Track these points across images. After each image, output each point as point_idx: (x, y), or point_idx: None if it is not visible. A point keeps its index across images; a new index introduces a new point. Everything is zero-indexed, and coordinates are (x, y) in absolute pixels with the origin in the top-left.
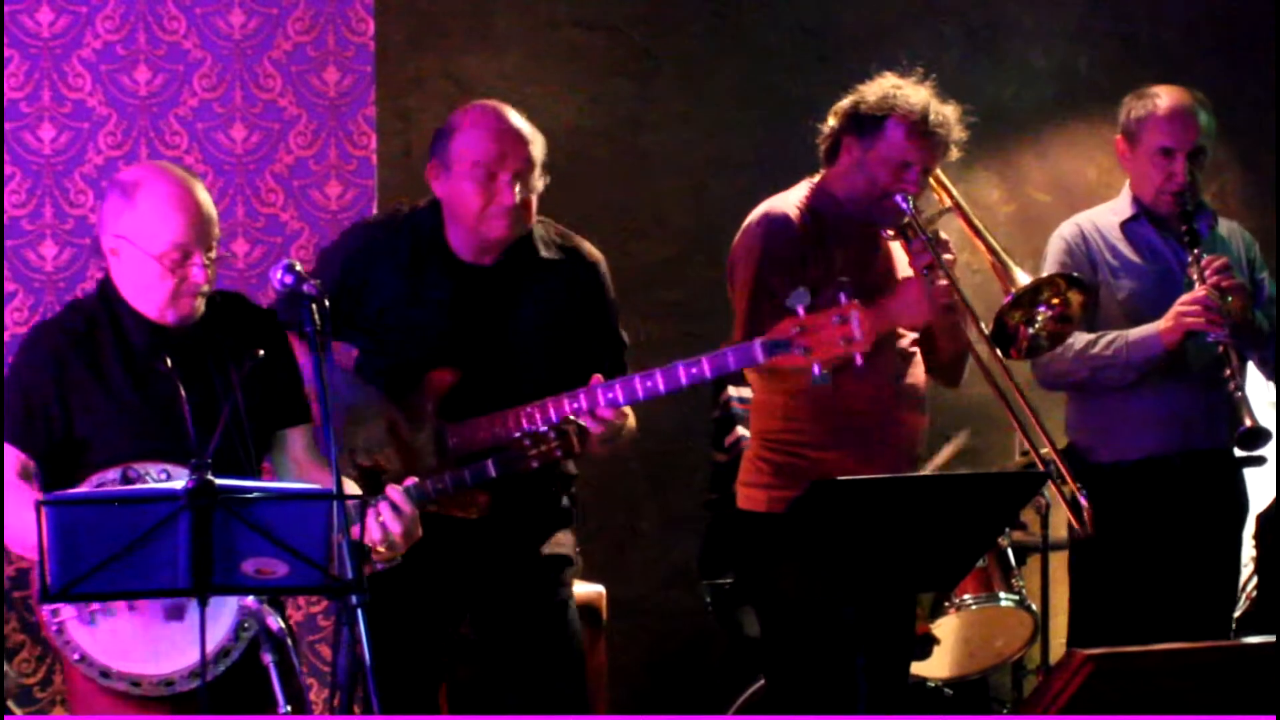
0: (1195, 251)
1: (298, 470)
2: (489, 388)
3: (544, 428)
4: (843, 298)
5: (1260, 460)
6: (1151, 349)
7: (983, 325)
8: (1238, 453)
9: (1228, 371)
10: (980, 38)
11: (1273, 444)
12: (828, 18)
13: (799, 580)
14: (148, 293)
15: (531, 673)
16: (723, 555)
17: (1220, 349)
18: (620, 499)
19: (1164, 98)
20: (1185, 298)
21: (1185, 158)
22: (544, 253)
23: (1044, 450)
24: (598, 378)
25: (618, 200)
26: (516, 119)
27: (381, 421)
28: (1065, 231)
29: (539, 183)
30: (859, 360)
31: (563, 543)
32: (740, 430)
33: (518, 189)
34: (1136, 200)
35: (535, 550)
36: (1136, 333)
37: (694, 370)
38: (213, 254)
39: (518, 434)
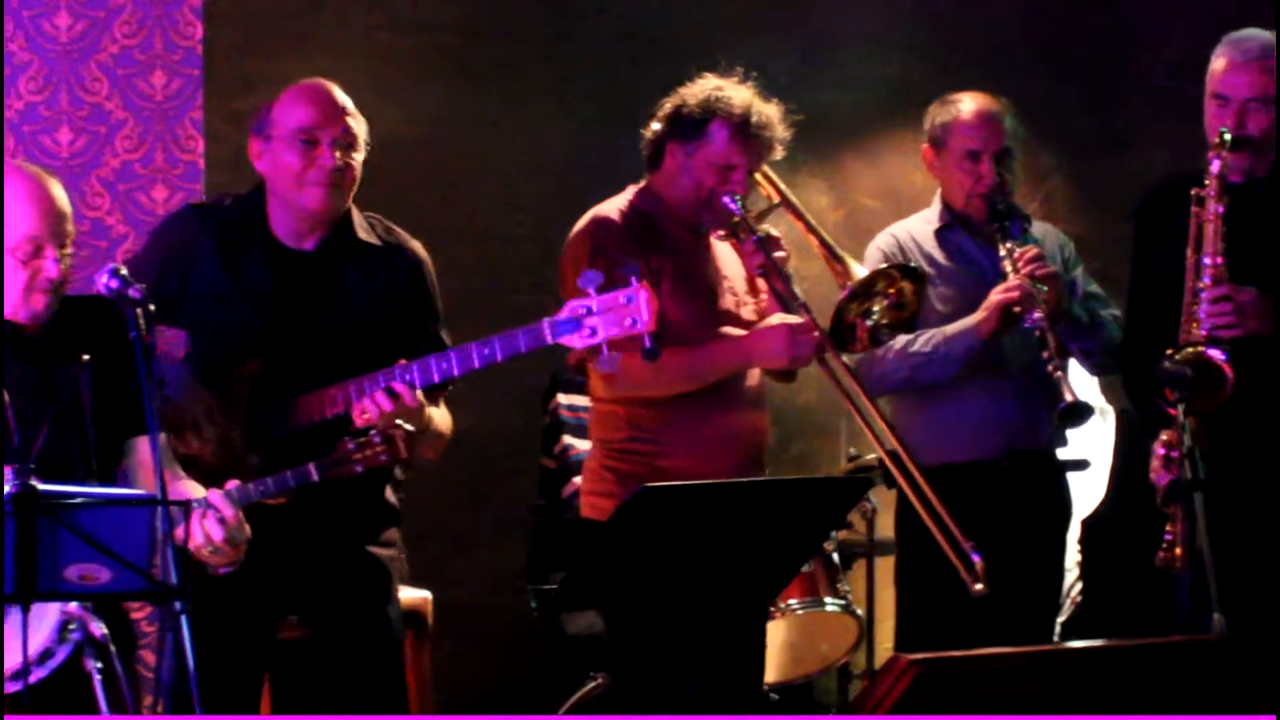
0: (1008, 245)
1: (145, 476)
2: (304, 376)
3: (342, 412)
4: (633, 280)
5: (1083, 464)
6: (970, 340)
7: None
8: (1060, 455)
9: (1046, 354)
10: (809, 44)
11: (1098, 449)
12: (653, 22)
13: (632, 586)
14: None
15: (352, 673)
16: (550, 560)
17: (1038, 333)
18: (448, 505)
19: (967, 102)
20: (999, 287)
21: (992, 159)
22: (364, 237)
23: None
24: (401, 361)
25: (433, 205)
26: (335, 90)
27: (200, 409)
28: (881, 242)
29: (358, 157)
30: (647, 342)
31: (391, 541)
32: (567, 439)
33: (338, 154)
34: (948, 208)
35: (362, 548)
36: (954, 326)
37: (486, 351)
38: (67, 250)
39: (320, 419)
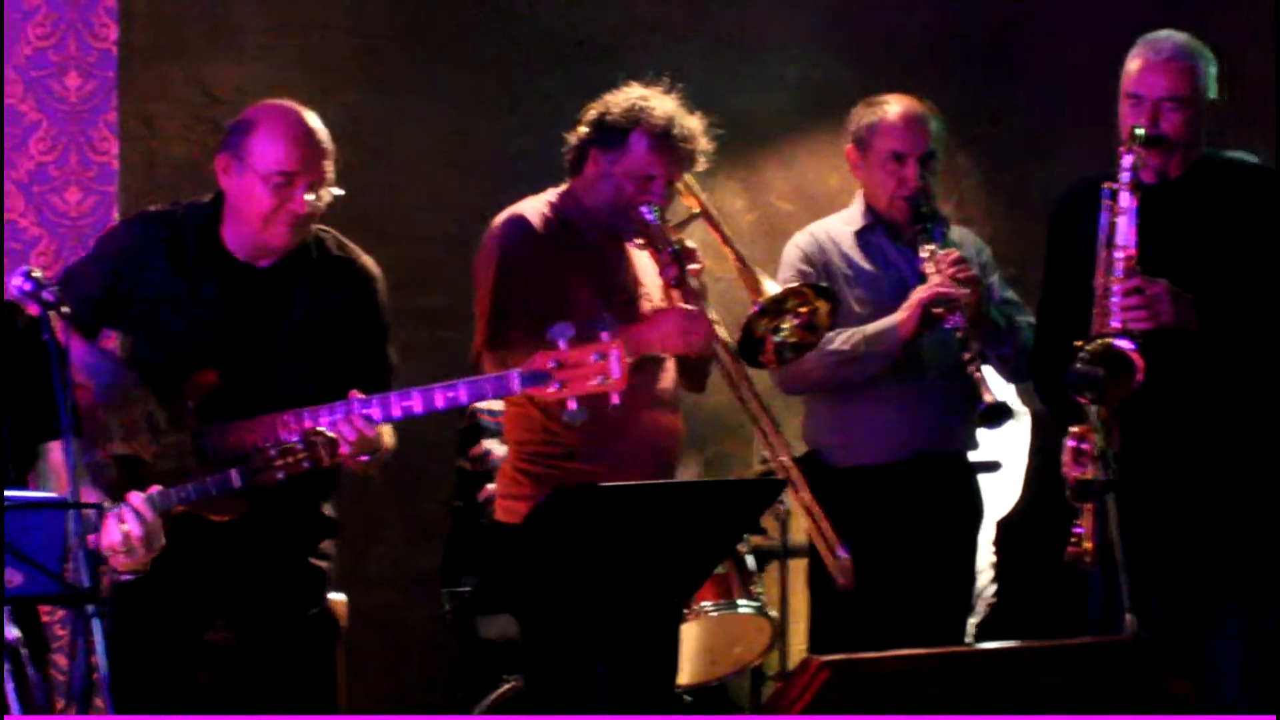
0: (930, 247)
1: (57, 480)
2: (252, 391)
3: (296, 438)
4: (605, 335)
5: (994, 466)
6: (890, 340)
7: (724, 334)
8: (972, 457)
9: (966, 355)
10: (725, 46)
11: (1013, 451)
12: (572, 25)
13: (546, 589)
14: None
15: (282, 683)
16: (464, 563)
17: (959, 334)
18: (362, 507)
19: (894, 105)
20: (920, 288)
21: (916, 162)
22: (318, 256)
23: (781, 459)
24: (355, 393)
25: (360, 205)
26: (319, 127)
27: (140, 409)
28: (801, 241)
29: (328, 195)
30: (615, 399)
31: (326, 553)
32: (486, 443)
33: (310, 198)
34: (870, 209)
35: (297, 559)
36: (875, 326)
37: (450, 395)
38: None
39: (270, 442)
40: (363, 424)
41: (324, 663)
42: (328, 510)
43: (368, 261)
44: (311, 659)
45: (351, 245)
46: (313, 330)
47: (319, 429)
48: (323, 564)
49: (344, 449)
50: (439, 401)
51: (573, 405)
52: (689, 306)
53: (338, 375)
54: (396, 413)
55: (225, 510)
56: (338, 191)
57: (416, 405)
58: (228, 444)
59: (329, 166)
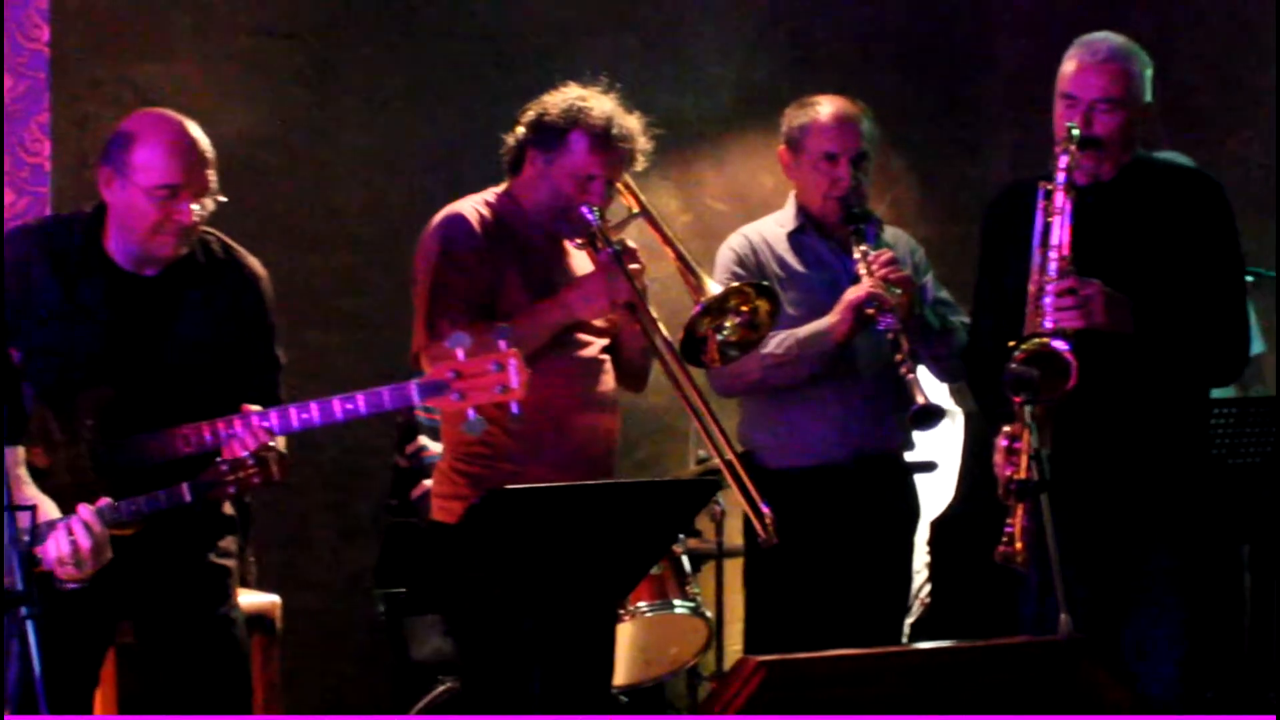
0: (862, 248)
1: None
2: (147, 400)
3: (199, 450)
4: (502, 344)
5: (931, 466)
6: (823, 343)
7: (665, 332)
8: (908, 457)
9: (899, 357)
10: (659, 46)
11: (947, 451)
12: (506, 25)
13: (480, 590)
14: None
15: (195, 684)
16: (399, 564)
17: (890, 335)
18: (296, 508)
19: (825, 105)
20: (852, 289)
21: (849, 162)
22: (204, 261)
23: (726, 456)
24: (247, 406)
25: (295, 209)
26: (200, 137)
27: (37, 424)
28: (734, 243)
29: (212, 203)
30: (515, 409)
31: (227, 550)
32: (423, 439)
33: (195, 207)
34: (802, 210)
35: (199, 558)
36: (807, 329)
37: (349, 406)
38: None
39: (179, 455)
40: (265, 436)
41: (235, 662)
42: (226, 508)
43: (254, 262)
44: (220, 659)
45: (237, 247)
46: (202, 338)
47: (272, 444)
48: (226, 562)
49: (250, 446)
50: (338, 413)
51: (471, 414)
52: (609, 265)
53: (230, 378)
54: (295, 424)
55: (127, 527)
56: (222, 198)
57: (315, 417)
58: (132, 456)
59: (212, 175)
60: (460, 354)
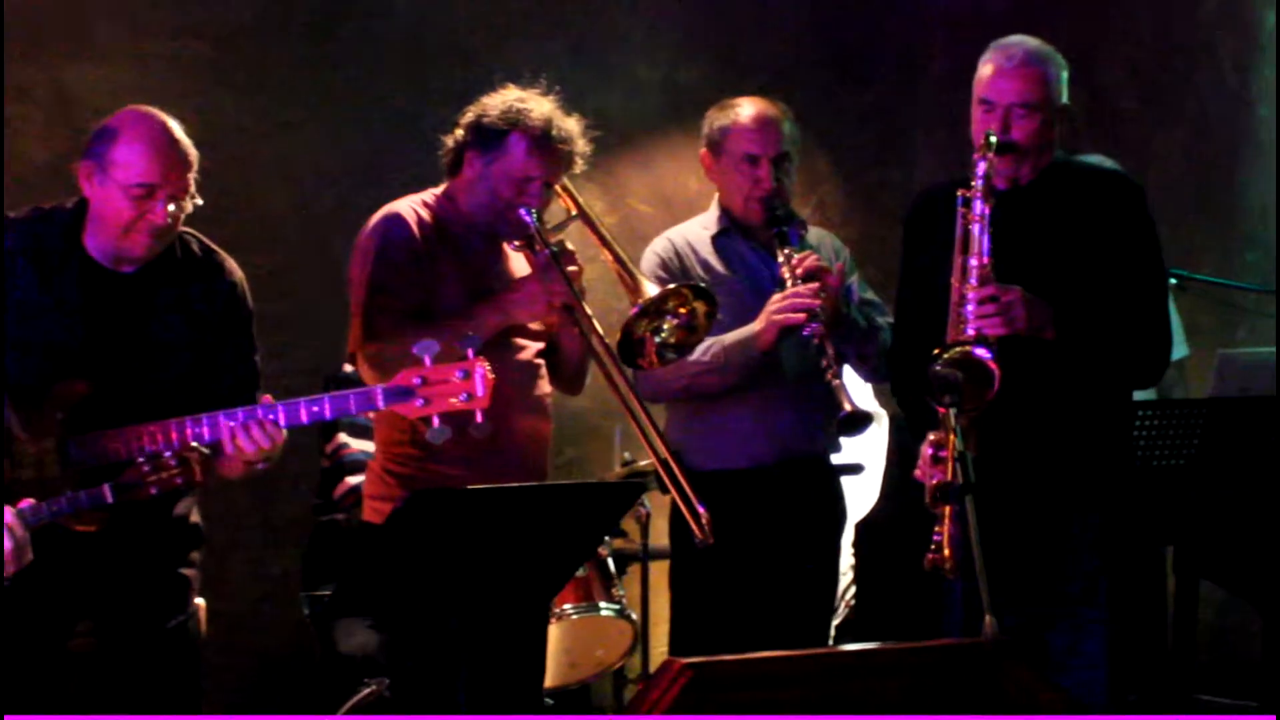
0: (785, 251)
1: None
2: (121, 400)
3: (165, 450)
4: (469, 352)
5: (857, 469)
6: (749, 351)
7: (603, 334)
8: (834, 460)
9: (824, 362)
10: (585, 49)
11: (872, 454)
12: (433, 28)
13: (407, 591)
14: None
15: (145, 690)
16: (325, 566)
17: (815, 341)
18: (221, 511)
19: (746, 107)
20: (777, 296)
21: (770, 164)
22: (182, 260)
23: (663, 456)
24: (267, 397)
25: (222, 212)
26: (183, 138)
27: None
28: (658, 248)
29: (189, 205)
30: (479, 418)
31: (194, 562)
32: (342, 436)
33: (171, 208)
34: (725, 213)
35: (165, 568)
36: (732, 336)
37: (315, 409)
38: None
39: (140, 455)
40: (273, 430)
41: (187, 670)
42: (195, 518)
43: (232, 265)
44: (172, 667)
45: (216, 248)
46: (177, 337)
47: (193, 444)
48: (188, 572)
49: (263, 445)
50: (304, 416)
51: (436, 423)
52: (546, 269)
53: (206, 379)
54: (263, 423)
55: (88, 521)
56: (199, 201)
57: (281, 418)
58: (94, 453)
59: (191, 177)
60: (428, 360)
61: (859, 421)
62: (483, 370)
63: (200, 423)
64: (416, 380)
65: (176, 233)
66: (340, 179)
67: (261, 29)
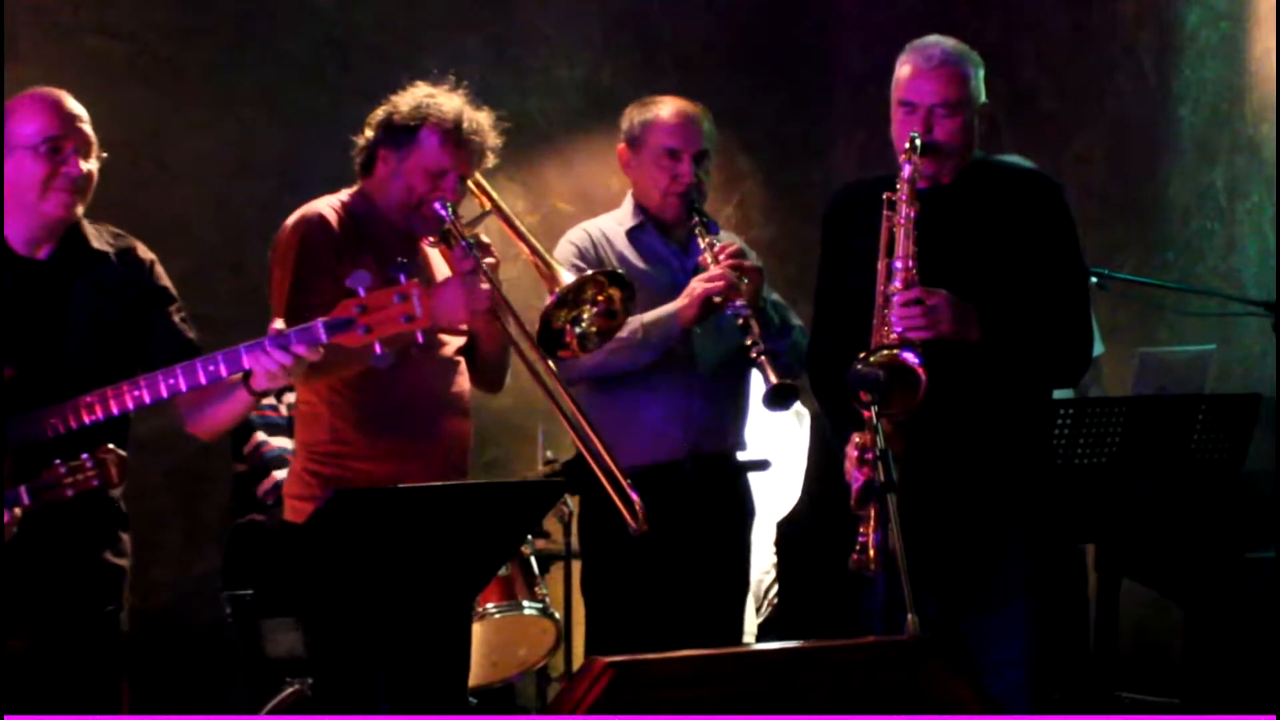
0: (708, 239)
1: None
2: (47, 384)
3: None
4: (402, 277)
5: (764, 465)
6: (670, 328)
7: (525, 325)
8: (740, 456)
9: (749, 339)
10: (504, 49)
11: (793, 452)
12: (351, 28)
13: (328, 591)
14: None
15: (71, 683)
16: (245, 566)
17: (740, 320)
18: (144, 512)
19: (668, 104)
20: (702, 275)
21: (691, 159)
22: (96, 245)
23: (594, 448)
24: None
25: (138, 211)
26: (74, 102)
27: None
28: (574, 236)
29: (95, 164)
30: (419, 338)
31: (123, 550)
32: (259, 435)
33: (83, 164)
34: (640, 208)
35: (93, 556)
36: (655, 313)
37: (256, 350)
38: None
39: (73, 425)
40: (283, 356)
41: (112, 662)
42: (121, 504)
43: (143, 247)
44: (100, 658)
45: (126, 235)
46: (96, 321)
47: (109, 445)
48: (120, 561)
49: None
50: (245, 361)
51: (378, 349)
52: (467, 274)
53: (133, 358)
54: (202, 378)
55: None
56: (104, 155)
57: (221, 367)
58: (28, 437)
59: (92, 134)
60: (362, 290)
61: (787, 393)
62: (418, 291)
63: (138, 385)
64: (356, 309)
65: (90, 197)
66: (257, 178)
67: (179, 28)
